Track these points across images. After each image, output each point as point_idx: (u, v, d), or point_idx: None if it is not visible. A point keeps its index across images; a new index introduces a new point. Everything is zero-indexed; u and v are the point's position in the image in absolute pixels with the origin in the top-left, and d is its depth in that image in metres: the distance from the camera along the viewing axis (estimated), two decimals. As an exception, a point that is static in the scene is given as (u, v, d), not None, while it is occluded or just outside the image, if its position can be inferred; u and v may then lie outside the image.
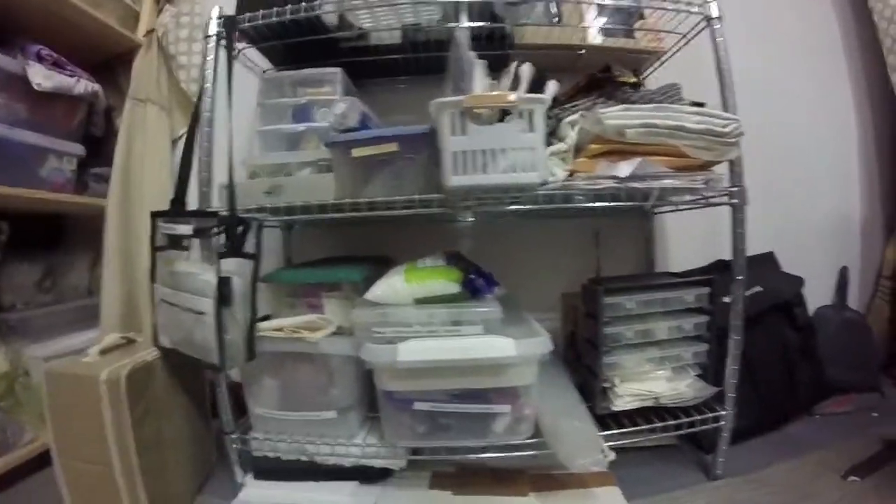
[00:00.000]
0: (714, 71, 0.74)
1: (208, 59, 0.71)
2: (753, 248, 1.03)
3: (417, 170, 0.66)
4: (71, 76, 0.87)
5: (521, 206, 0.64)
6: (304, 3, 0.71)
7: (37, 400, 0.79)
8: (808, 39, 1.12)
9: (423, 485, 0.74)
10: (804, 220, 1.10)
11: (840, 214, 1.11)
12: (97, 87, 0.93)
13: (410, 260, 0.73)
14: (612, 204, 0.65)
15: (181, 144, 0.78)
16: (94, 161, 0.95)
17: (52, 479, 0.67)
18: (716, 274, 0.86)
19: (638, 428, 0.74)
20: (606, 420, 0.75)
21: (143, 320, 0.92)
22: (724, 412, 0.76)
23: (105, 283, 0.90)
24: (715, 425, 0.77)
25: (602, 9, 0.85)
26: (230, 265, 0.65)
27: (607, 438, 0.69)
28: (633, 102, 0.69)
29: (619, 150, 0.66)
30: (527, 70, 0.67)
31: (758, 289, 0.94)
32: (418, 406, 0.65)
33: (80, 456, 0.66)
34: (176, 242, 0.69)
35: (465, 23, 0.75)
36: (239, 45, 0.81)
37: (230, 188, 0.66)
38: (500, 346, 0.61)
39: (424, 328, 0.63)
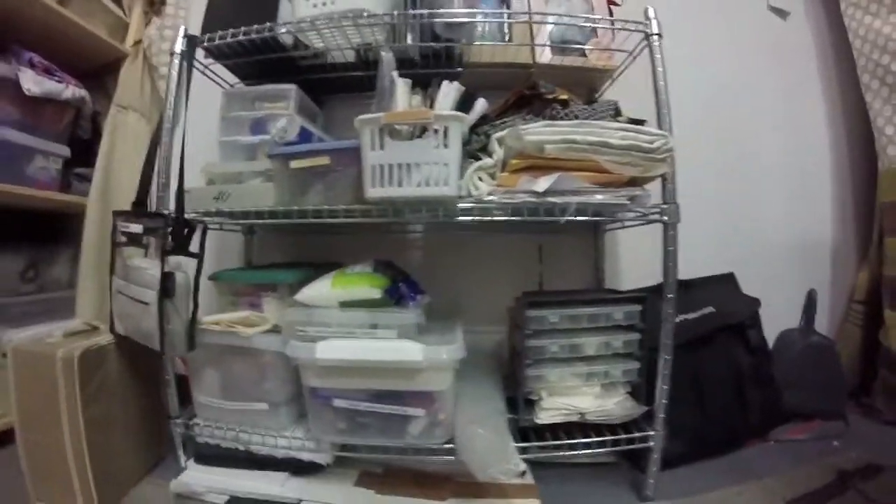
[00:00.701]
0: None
1: (172, 73, 0.83)
2: (718, 268, 1.08)
3: (347, 181, 0.75)
4: (60, 82, 1.02)
5: (436, 220, 0.71)
6: (256, 26, 0.82)
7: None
8: (782, 59, 1.16)
9: (349, 482, 0.82)
10: (772, 241, 1.14)
11: (810, 236, 1.13)
12: (84, 92, 1.07)
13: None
14: (530, 219, 0.72)
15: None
16: (79, 162, 1.09)
17: (16, 454, 0.78)
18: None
19: (559, 442, 0.79)
20: (536, 433, 0.80)
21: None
22: (653, 433, 0.80)
23: (81, 275, 1.04)
24: (644, 445, 0.80)
25: (552, 28, 0.92)
26: (176, 262, 0.75)
27: (526, 451, 0.75)
28: (559, 119, 0.75)
29: (541, 165, 0.72)
30: (453, 88, 0.75)
31: (710, 309, 0.98)
32: (338, 403, 0.74)
33: (37, 430, 0.77)
34: (135, 240, 0.80)
35: (411, 42, 0.84)
36: (206, 61, 0.93)
37: (179, 193, 0.77)
38: (408, 350, 0.69)
39: (343, 329, 0.72)
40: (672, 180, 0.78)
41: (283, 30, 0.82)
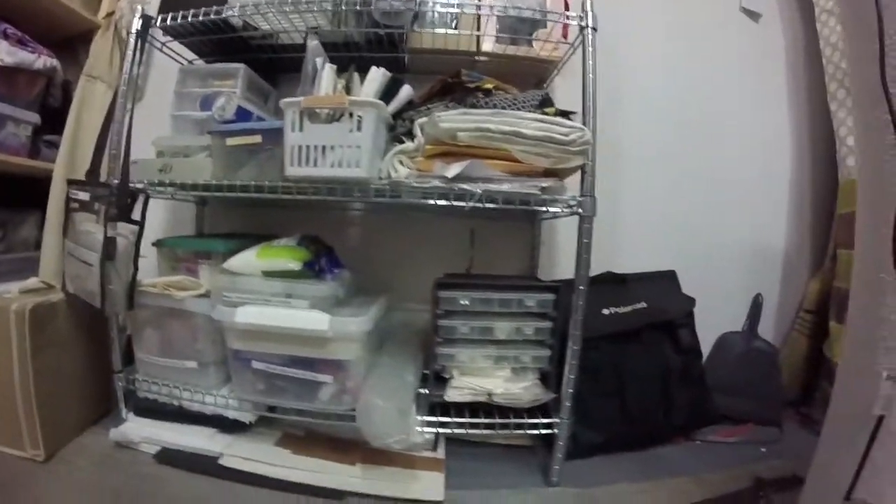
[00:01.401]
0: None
1: (128, 52, 0.95)
2: (667, 265, 1.15)
3: (277, 159, 0.85)
4: (32, 52, 1.15)
5: (351, 199, 0.81)
6: (204, 9, 0.93)
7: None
8: (751, 62, 1.21)
9: (271, 441, 0.95)
10: (725, 244, 1.20)
11: (764, 242, 1.19)
12: (56, 62, 1.21)
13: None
14: (440, 202, 0.81)
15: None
16: (49, 129, 1.23)
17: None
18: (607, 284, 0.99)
19: (462, 420, 0.89)
20: (454, 409, 0.89)
21: (74, 273, 1.19)
22: (557, 420, 0.89)
23: (45, 237, 1.18)
24: (548, 431, 0.89)
25: (497, 17, 1.00)
26: (120, 228, 0.88)
27: (432, 425, 0.86)
28: (479, 107, 0.84)
29: (456, 152, 0.80)
30: (379, 74, 0.84)
31: (642, 304, 1.06)
32: (256, 365, 0.86)
33: (-7, 379, 0.91)
34: (86, 206, 0.93)
35: (353, 28, 0.94)
36: (163, 39, 1.04)
37: (125, 164, 0.89)
38: (316, 320, 0.80)
39: (261, 297, 0.83)
40: (592, 173, 0.85)
41: (231, 12, 0.92)
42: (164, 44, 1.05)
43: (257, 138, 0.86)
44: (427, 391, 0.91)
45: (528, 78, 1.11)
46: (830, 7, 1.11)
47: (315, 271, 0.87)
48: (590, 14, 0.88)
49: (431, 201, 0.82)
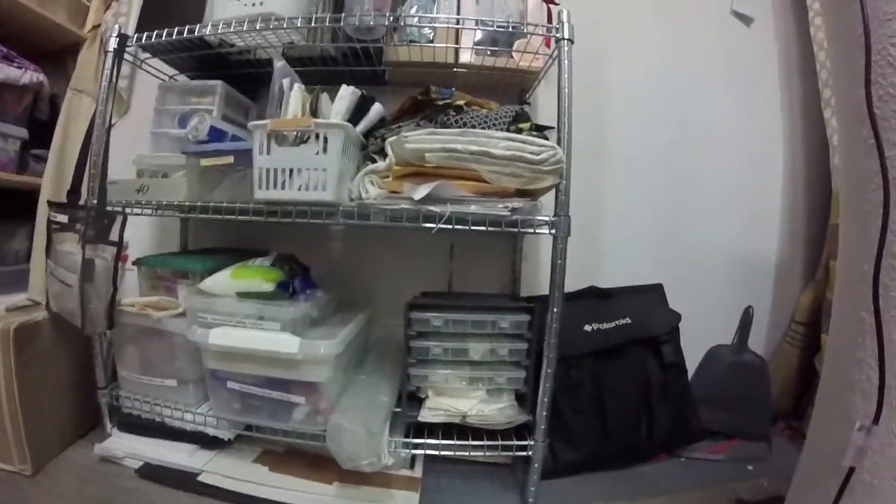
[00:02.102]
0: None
1: (105, 71, 0.97)
2: (656, 278, 1.16)
3: (249, 180, 0.87)
4: (19, 68, 1.19)
5: (319, 221, 0.83)
6: (178, 27, 0.94)
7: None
8: (742, 67, 1.19)
9: (250, 458, 0.99)
10: (716, 255, 1.20)
11: (756, 253, 1.18)
12: (42, 77, 1.25)
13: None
14: (408, 224, 0.82)
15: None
16: (37, 143, 1.27)
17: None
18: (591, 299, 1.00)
19: (436, 441, 0.91)
20: (430, 429, 0.91)
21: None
22: (531, 442, 0.90)
23: (34, 252, 1.22)
24: (523, 453, 0.91)
25: (475, 30, 1.00)
26: (98, 249, 0.91)
27: (408, 446, 0.89)
28: (449, 125, 0.84)
29: (424, 172, 0.81)
30: (349, 93, 0.86)
31: (626, 320, 1.06)
32: (231, 385, 0.89)
33: (-21, 392, 0.96)
34: (67, 227, 0.97)
35: (329, 43, 0.95)
36: (143, 56, 1.07)
37: (101, 186, 0.92)
38: (286, 343, 0.82)
39: (234, 318, 0.86)
40: (566, 192, 0.85)
41: (206, 31, 0.94)
42: (143, 61, 1.08)
43: (230, 159, 0.88)
44: (401, 411, 0.93)
45: (510, 88, 1.12)
46: (825, 11, 1.08)
47: (288, 292, 0.89)
48: (566, 26, 0.87)
49: (400, 224, 0.83)
